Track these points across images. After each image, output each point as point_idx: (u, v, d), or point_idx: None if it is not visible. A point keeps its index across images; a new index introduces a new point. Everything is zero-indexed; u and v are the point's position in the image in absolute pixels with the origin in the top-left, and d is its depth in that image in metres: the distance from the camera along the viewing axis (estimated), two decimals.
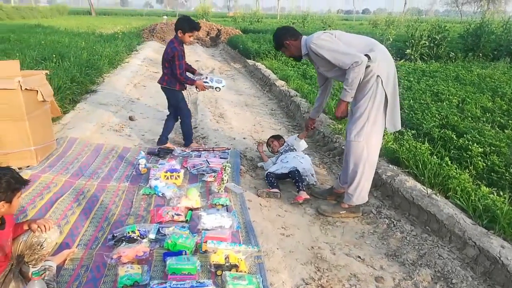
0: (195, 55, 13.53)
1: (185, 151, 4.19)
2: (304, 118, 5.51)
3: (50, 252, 2.08)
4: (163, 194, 3.12)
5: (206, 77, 4.27)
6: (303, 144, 4.02)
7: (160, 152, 4.08)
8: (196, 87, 4.20)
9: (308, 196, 3.28)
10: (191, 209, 2.94)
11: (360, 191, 2.98)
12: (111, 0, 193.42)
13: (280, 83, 7.74)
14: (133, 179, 3.50)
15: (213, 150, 4.22)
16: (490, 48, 12.08)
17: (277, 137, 4.24)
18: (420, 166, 3.50)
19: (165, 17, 26.92)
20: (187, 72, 4.20)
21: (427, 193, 3.10)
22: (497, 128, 5.11)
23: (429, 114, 5.48)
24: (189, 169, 3.74)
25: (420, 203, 3.02)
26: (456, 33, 14.49)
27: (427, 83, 7.93)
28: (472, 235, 2.57)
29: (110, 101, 6.03)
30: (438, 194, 3.09)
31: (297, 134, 4.11)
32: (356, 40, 2.91)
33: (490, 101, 6.46)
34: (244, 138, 4.91)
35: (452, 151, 4.28)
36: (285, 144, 4.06)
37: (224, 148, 4.27)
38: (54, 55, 7.36)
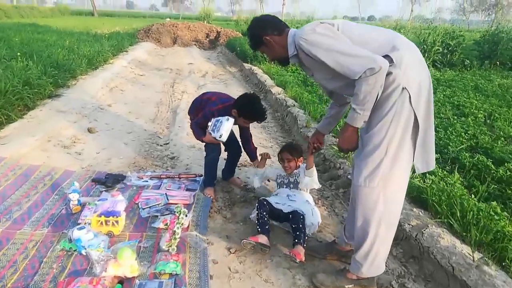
0: (190, 57, 12.61)
1: (142, 178, 3.21)
2: (301, 133, 4.52)
3: None
4: (87, 253, 2.14)
5: (211, 127, 2.90)
6: (314, 180, 2.80)
7: (108, 179, 3.10)
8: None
9: (303, 258, 2.28)
10: (121, 282, 1.96)
11: (373, 259, 1.99)
12: (117, 3, 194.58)
13: (276, 90, 6.77)
14: (57, 223, 2.53)
15: (179, 178, 3.24)
16: (508, 56, 11.13)
17: (297, 151, 2.90)
18: (458, 214, 2.51)
19: (168, 19, 26.28)
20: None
21: (473, 260, 2.11)
22: None
23: (453, 133, 4.51)
24: (140, 207, 2.76)
25: (465, 277, 2.02)
26: (470, 40, 13.53)
27: (444, 93, 6.98)
28: None
29: (72, 108, 5.07)
30: (491, 263, 2.09)
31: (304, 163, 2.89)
32: (370, 34, 1.93)
33: None
34: (225, 159, 3.91)
35: (491, 184, 3.30)
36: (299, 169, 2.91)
37: (194, 175, 3.28)
38: (19, 54, 6.43)
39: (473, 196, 2.93)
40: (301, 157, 2.91)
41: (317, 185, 2.83)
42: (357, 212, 1.96)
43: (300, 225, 2.43)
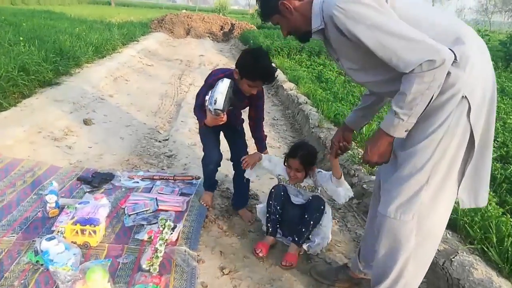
0: (202, 49, 12.28)
1: (133, 178, 2.89)
2: (313, 134, 4.14)
3: None
4: (54, 270, 1.82)
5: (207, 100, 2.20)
6: (345, 190, 2.22)
7: (95, 178, 2.79)
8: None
9: (294, 261, 2.06)
10: None
11: None
12: None
13: (288, 85, 6.39)
14: (30, 228, 2.21)
15: (174, 180, 2.91)
16: None
17: (310, 161, 2.28)
18: (494, 239, 2.12)
19: (184, 11, 26.08)
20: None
21: None
22: None
23: None
24: (126, 212, 2.44)
25: None
26: (495, 40, 12.90)
27: None
28: None
29: (70, 97, 4.78)
30: None
31: (330, 171, 2.24)
32: (429, 15, 1.46)
33: None
34: (228, 159, 3.56)
35: None
36: (312, 179, 2.33)
37: (191, 178, 2.95)
38: (21, 39, 6.18)
39: (508, 215, 2.54)
40: (314, 166, 2.33)
41: (349, 193, 2.23)
42: (379, 242, 1.56)
43: (313, 219, 2.19)
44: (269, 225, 2.29)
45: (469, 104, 1.35)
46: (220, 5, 32.57)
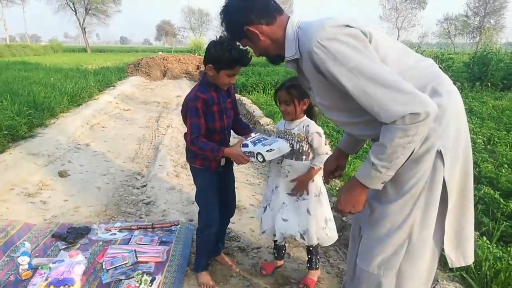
0: (179, 90, 12.43)
1: (110, 230, 2.83)
2: None
3: None
4: None
5: (250, 139, 2.07)
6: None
7: (71, 234, 2.72)
8: (232, 159, 2.13)
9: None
10: None
11: None
12: (111, 38, 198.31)
13: (265, 120, 6.48)
14: None
15: (153, 228, 2.86)
16: (499, 77, 11.08)
17: (298, 90, 2.09)
18: (472, 265, 2.15)
19: (160, 53, 26.49)
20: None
21: None
22: None
23: None
24: (104, 267, 2.37)
25: None
26: (459, 62, 13.55)
27: None
28: None
29: (45, 150, 4.72)
30: None
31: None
32: (408, 61, 1.39)
33: None
34: None
35: (502, 221, 2.97)
36: (304, 128, 2.17)
37: (170, 225, 2.91)
38: None
39: (484, 238, 2.59)
40: (306, 99, 2.13)
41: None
42: None
43: (312, 251, 2.32)
44: (274, 251, 2.48)
45: (442, 157, 1.32)
46: (195, 45, 33.33)
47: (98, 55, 34.47)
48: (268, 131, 2.15)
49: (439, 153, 1.32)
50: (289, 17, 1.48)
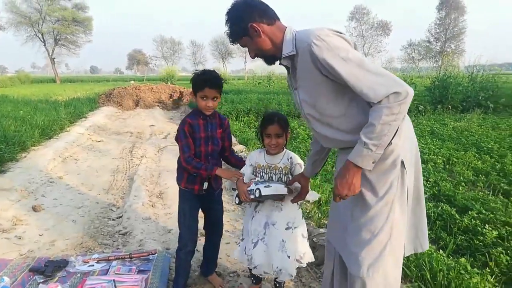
0: (152, 119, 12.48)
1: (88, 262, 2.88)
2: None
3: None
4: None
5: (256, 180, 2.24)
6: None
7: (48, 267, 2.76)
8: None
9: None
10: None
11: None
12: (81, 68, 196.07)
13: (239, 147, 6.69)
14: None
15: (131, 258, 2.93)
16: (458, 100, 11.81)
17: (285, 121, 2.24)
18: (428, 275, 2.36)
19: (132, 82, 26.34)
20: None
21: None
22: (501, 196, 4.16)
23: None
24: None
25: None
26: (422, 86, 14.34)
27: None
28: None
29: (17, 185, 4.70)
30: None
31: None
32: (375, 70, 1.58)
33: (478, 159, 5.66)
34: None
35: (458, 235, 3.23)
36: (288, 159, 2.30)
37: (147, 254, 2.99)
38: None
39: (441, 251, 2.82)
40: (289, 132, 2.28)
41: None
42: None
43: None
44: (252, 278, 2.59)
45: (405, 167, 1.59)
46: (168, 74, 33.47)
47: (68, 86, 34.02)
48: (260, 166, 2.25)
49: (402, 163, 1.59)
50: (283, 24, 1.75)
